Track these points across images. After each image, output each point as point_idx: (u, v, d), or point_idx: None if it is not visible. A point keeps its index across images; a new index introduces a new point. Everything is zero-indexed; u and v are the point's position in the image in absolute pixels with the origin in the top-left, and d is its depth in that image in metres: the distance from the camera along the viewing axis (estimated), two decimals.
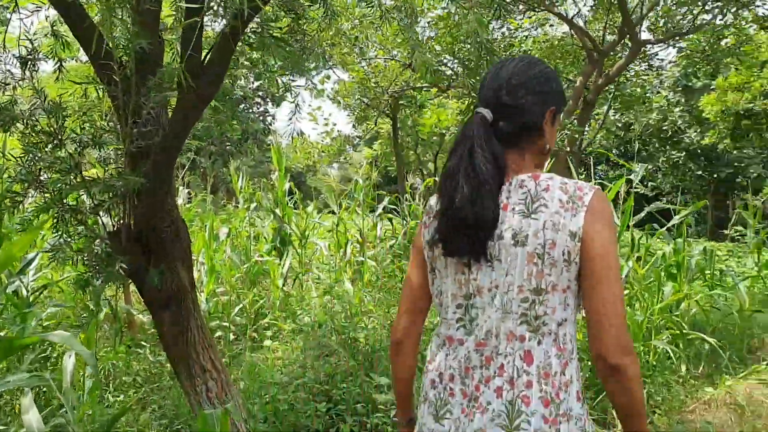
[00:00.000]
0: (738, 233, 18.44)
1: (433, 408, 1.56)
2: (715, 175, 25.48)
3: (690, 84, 24.34)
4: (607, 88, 10.61)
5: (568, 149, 7.11)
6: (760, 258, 6.39)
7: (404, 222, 8.52)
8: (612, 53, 9.14)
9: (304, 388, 4.13)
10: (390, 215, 9.00)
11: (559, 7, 8.74)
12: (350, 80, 11.65)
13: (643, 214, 5.61)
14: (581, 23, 9.40)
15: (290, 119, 3.26)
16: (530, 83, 1.52)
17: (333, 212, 8.56)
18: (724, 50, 9.57)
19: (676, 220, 5.50)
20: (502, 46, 8.46)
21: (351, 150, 16.07)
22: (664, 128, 24.81)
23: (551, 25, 9.86)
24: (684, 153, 25.43)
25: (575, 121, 7.57)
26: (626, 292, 5.26)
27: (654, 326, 5.05)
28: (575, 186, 1.45)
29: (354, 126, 14.88)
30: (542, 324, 1.44)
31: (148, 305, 2.86)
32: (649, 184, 26.91)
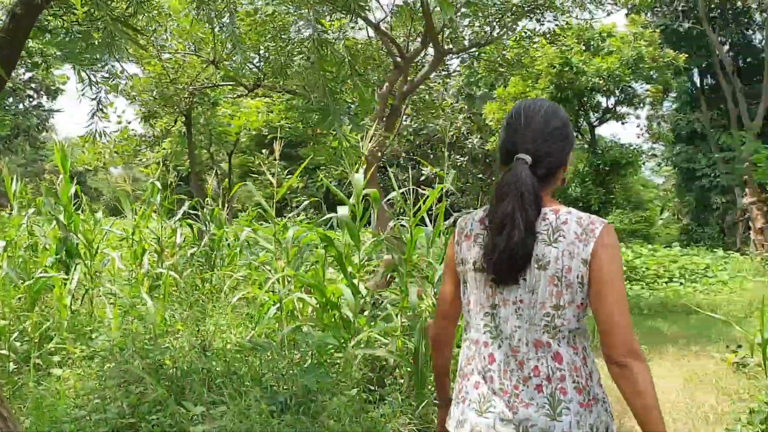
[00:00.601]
0: None
1: (477, 405, 1.81)
2: (493, 178, 27.46)
3: (472, 92, 26.02)
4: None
5: (379, 154, 7.13)
6: None
7: (206, 227, 8.01)
8: (415, 61, 9.42)
9: (105, 424, 3.64)
10: (189, 221, 8.43)
11: (366, 11, 8.80)
12: (146, 75, 10.81)
13: (450, 221, 5.72)
14: (386, 29, 9.53)
15: (92, 117, 2.87)
16: (558, 132, 1.82)
17: (124, 217, 7.83)
18: (511, 62, 10.27)
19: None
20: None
21: (146, 149, 14.99)
22: (450, 134, 26.28)
23: (360, 29, 9.89)
24: (467, 158, 27.13)
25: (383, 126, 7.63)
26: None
27: None
28: (589, 220, 1.74)
29: (150, 124, 13.88)
30: (558, 331, 1.74)
31: None
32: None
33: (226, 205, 8.38)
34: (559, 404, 1.70)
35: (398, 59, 8.97)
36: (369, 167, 6.06)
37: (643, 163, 22.80)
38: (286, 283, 5.41)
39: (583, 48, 18.50)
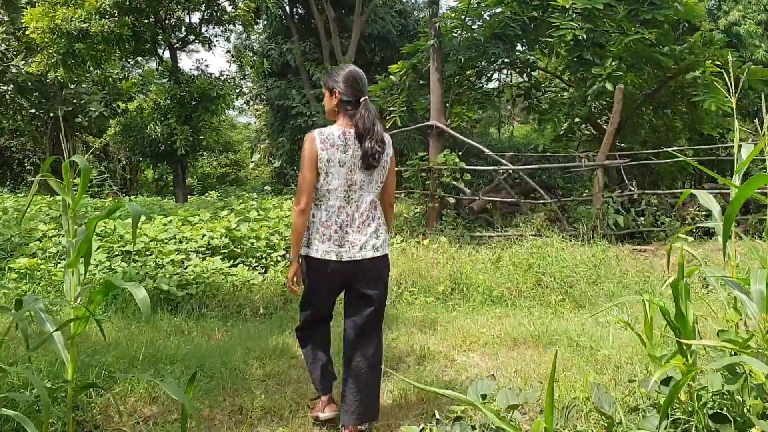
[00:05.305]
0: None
1: (337, 241, 3.30)
2: (52, 114, 21.44)
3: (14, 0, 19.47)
4: None
5: None
6: None
7: None
8: None
9: None
10: None
11: None
12: None
13: None
14: None
15: None
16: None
17: None
18: None
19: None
20: None
21: None
22: None
23: None
24: (12, 86, 20.49)
25: None
26: None
27: None
28: (388, 136, 3.42)
29: None
30: (378, 196, 3.46)
31: None
32: None
33: None
34: (377, 231, 3.39)
35: None
36: None
37: (237, 98, 19.35)
38: None
39: None
